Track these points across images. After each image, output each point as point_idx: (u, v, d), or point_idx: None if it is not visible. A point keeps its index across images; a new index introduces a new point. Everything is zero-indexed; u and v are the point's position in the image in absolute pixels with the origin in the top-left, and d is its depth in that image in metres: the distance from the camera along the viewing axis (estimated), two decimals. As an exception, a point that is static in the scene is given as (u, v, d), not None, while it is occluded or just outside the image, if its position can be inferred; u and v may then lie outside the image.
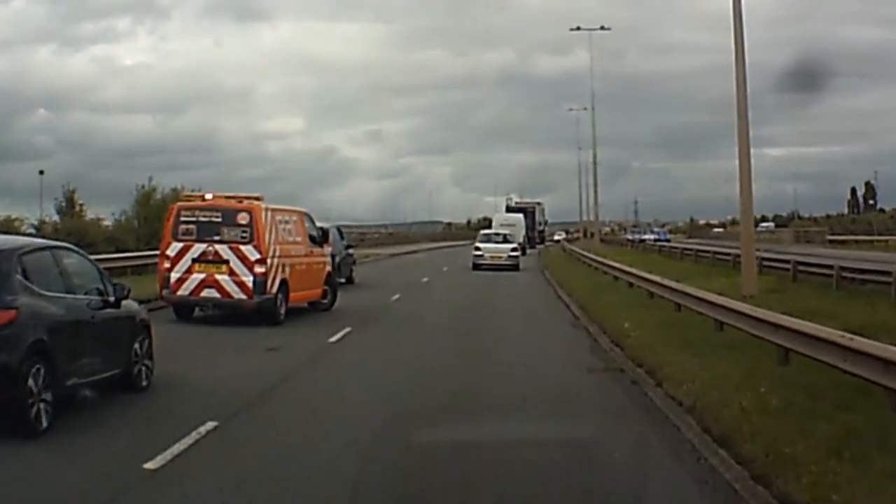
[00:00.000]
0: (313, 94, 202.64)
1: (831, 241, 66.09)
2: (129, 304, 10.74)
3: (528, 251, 59.73)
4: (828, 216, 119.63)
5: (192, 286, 18.09)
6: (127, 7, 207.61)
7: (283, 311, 18.46)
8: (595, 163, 66.56)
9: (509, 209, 76.57)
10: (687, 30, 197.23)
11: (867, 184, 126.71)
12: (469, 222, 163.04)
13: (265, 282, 17.94)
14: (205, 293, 18.10)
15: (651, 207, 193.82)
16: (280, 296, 18.36)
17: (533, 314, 21.28)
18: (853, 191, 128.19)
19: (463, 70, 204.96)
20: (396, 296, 24.91)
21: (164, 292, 18.53)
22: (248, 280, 17.87)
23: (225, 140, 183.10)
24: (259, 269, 17.89)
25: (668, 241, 71.62)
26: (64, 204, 41.78)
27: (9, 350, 8.10)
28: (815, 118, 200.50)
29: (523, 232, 61.66)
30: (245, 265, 17.92)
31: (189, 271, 18.25)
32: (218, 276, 18.02)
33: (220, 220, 18.29)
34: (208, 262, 18.10)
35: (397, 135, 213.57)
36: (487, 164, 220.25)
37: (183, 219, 18.52)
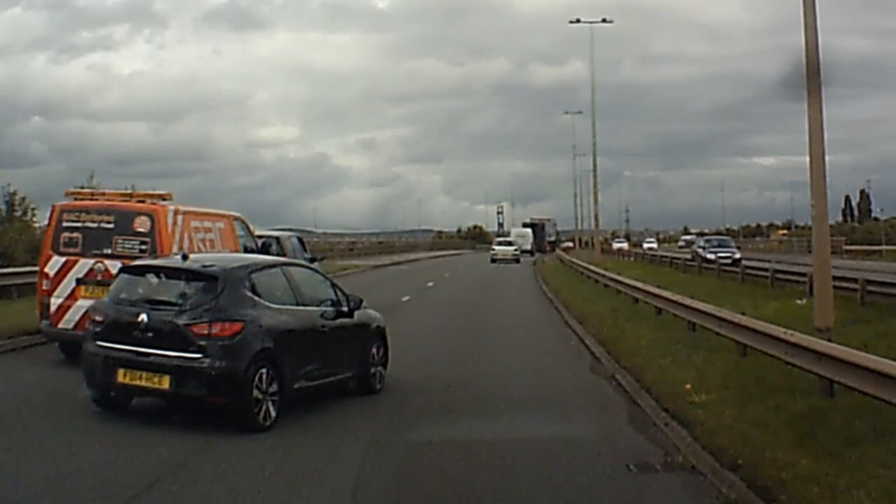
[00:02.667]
0: (307, 103, 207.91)
1: (849, 252, 61.18)
2: (365, 313, 11.66)
3: (537, 254, 77.62)
4: None
5: (77, 317, 13.18)
6: (125, 15, 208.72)
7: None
8: (595, 169, 62.03)
9: (524, 224, 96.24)
10: (679, 40, 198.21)
11: (862, 192, 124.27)
12: (459, 230, 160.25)
13: (171, 312, 12.97)
14: (92, 327, 13.15)
15: (643, 216, 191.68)
16: (195, 330, 13.39)
17: (544, 370, 15.26)
18: (847, 199, 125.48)
19: (456, 79, 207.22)
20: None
21: (43, 324, 13.69)
22: (148, 309, 12.90)
23: (219, 148, 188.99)
24: (162, 295, 12.94)
25: (738, 258, 41.12)
26: (3, 209, 36.77)
27: (235, 357, 9.24)
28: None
29: (531, 241, 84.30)
30: (143, 289, 12.96)
31: (73, 296, 13.37)
32: (109, 304, 13.06)
33: (111, 225, 13.38)
34: (97, 283, 13.20)
35: (390, 143, 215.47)
36: (479, 173, 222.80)
37: (66, 224, 13.61)
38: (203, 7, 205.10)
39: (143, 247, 13.07)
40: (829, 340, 9.90)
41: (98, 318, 9.84)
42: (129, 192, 14.68)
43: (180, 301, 9.56)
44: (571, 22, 56.16)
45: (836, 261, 49.93)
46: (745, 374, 11.16)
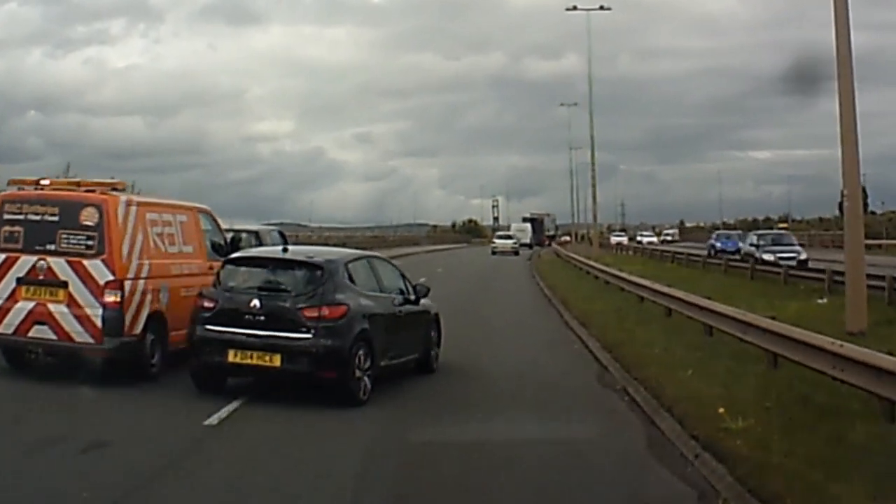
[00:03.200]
0: (303, 97, 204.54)
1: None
2: (426, 301, 12.89)
3: (535, 248, 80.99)
4: (820, 219, 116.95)
5: (18, 320, 11.55)
6: (121, 9, 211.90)
7: (156, 360, 11.87)
8: (593, 162, 60.27)
9: (524, 219, 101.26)
10: (674, 34, 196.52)
11: None
12: (454, 225, 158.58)
13: (121, 317, 11.35)
14: (34, 332, 11.53)
15: (638, 210, 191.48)
16: (151, 338, 11.76)
17: (545, 381, 12.90)
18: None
19: (452, 73, 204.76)
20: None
21: (-21, 329, 12.02)
22: (96, 314, 11.30)
23: (215, 142, 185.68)
24: (111, 298, 11.31)
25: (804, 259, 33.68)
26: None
27: (341, 337, 10.41)
28: (802, 121, 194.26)
29: (530, 235, 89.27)
30: (91, 290, 11.36)
31: (13, 297, 11.69)
32: (52, 307, 11.46)
33: (56, 218, 11.73)
34: (39, 283, 11.56)
35: (386, 137, 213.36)
36: (475, 167, 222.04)
37: (7, 216, 11.95)
38: (199, 1, 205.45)
39: (90, 242, 11.41)
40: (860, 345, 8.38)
41: (208, 305, 10.71)
42: (76, 180, 13.00)
43: (290, 288, 10.74)
44: (568, 9, 54.42)
45: (839, 255, 48.71)
46: (784, 392, 9.55)
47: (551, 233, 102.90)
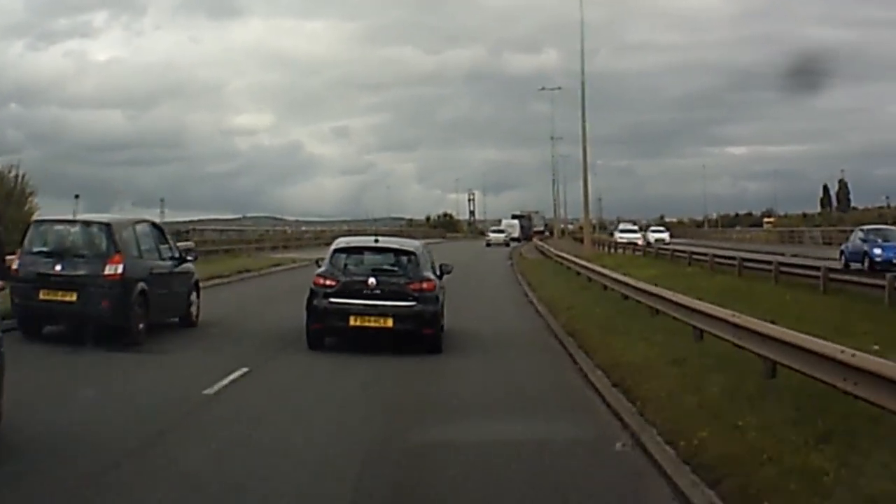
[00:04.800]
0: (281, 90, 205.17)
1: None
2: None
3: (523, 241, 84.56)
4: (804, 215, 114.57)
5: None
6: (103, 2, 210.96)
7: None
8: (585, 154, 51.35)
9: (513, 216, 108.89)
10: (651, 29, 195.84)
11: (840, 181, 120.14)
12: (429, 218, 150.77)
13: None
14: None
15: (616, 205, 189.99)
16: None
17: None
18: (825, 188, 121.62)
19: (430, 67, 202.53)
20: (239, 372, 11.86)
21: None
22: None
23: (195, 135, 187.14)
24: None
25: None
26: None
27: (434, 303, 14.20)
28: (779, 117, 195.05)
29: (518, 230, 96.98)
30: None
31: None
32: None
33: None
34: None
35: (363, 131, 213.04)
36: (452, 161, 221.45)
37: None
38: None
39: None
40: None
41: (331, 283, 14.13)
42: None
43: (396, 268, 14.40)
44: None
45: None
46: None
47: (540, 229, 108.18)
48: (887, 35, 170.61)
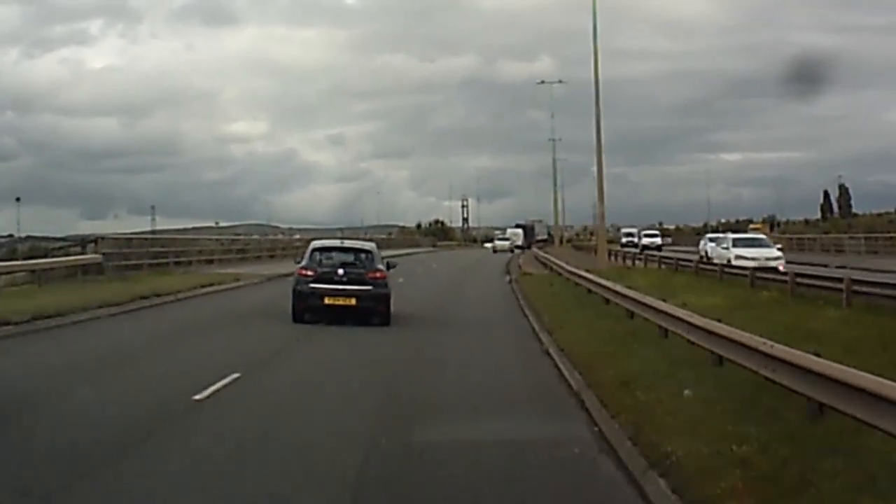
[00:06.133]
0: (276, 98, 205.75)
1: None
2: None
3: (526, 250, 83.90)
4: (806, 221, 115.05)
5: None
6: (100, 10, 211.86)
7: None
8: (600, 160, 42.36)
9: (517, 225, 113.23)
10: (644, 37, 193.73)
11: (841, 187, 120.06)
12: (419, 225, 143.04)
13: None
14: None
15: (610, 212, 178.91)
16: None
17: None
18: (826, 194, 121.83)
19: (424, 75, 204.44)
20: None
21: None
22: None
23: (189, 143, 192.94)
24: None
25: None
26: None
27: (386, 287, 18.89)
28: (772, 124, 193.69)
29: (522, 238, 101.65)
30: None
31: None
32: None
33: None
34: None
35: (358, 139, 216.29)
36: (446, 168, 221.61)
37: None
38: (176, 2, 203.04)
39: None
40: None
41: (309, 273, 18.59)
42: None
43: (356, 262, 18.94)
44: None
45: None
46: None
47: (543, 237, 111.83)
48: (878, 41, 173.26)
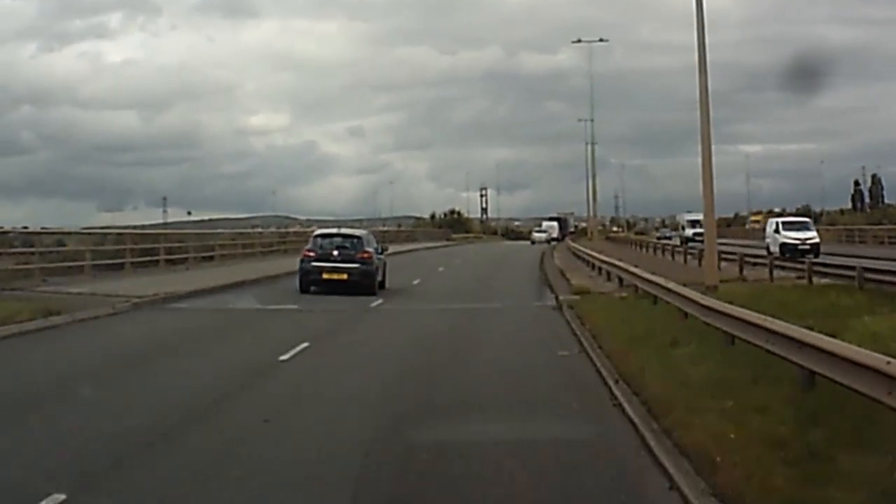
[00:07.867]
0: (296, 91, 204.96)
1: None
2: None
3: (559, 243, 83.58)
4: (842, 211, 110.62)
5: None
6: (119, 3, 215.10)
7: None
8: (706, 120, 31.01)
9: (551, 218, 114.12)
10: (664, 29, 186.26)
11: (874, 177, 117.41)
12: (433, 216, 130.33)
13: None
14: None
15: (629, 204, 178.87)
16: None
17: None
18: (856, 184, 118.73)
19: (444, 67, 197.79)
20: None
21: None
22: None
23: (208, 136, 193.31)
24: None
25: None
26: None
27: (373, 265, 25.59)
28: (789, 118, 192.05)
29: (557, 230, 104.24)
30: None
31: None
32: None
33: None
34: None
35: (378, 131, 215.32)
36: (466, 160, 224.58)
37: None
38: None
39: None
40: None
41: (312, 254, 24.98)
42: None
43: (349, 245, 25.15)
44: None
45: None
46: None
47: (573, 229, 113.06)
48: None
